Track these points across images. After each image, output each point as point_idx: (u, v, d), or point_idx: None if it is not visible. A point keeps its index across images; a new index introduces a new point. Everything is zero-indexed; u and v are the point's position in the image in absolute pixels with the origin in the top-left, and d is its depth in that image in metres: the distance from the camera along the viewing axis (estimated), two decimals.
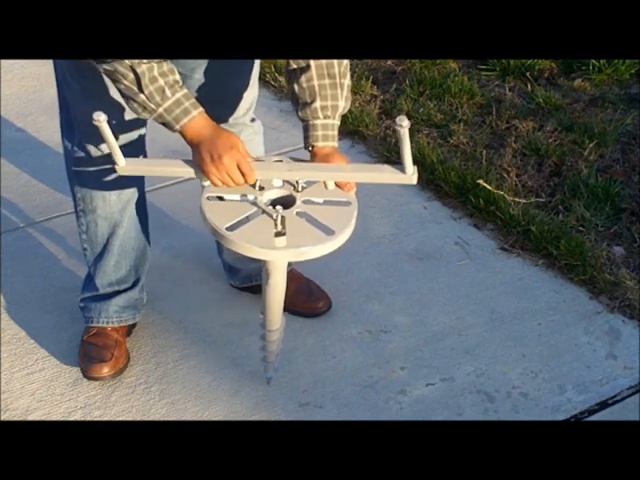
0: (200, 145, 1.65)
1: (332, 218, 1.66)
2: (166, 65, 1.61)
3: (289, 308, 2.05)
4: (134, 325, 2.22)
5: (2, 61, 3.52)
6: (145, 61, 1.57)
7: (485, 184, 2.70)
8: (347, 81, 1.73)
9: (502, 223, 2.61)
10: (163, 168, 1.76)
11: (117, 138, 1.84)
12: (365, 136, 3.08)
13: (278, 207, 1.64)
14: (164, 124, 1.66)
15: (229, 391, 2.08)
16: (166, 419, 2.00)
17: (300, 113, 1.74)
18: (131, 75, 1.58)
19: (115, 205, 2.00)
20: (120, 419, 2.00)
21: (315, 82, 1.70)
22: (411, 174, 1.67)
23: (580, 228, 2.59)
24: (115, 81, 1.61)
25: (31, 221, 2.64)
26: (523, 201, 2.68)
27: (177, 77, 1.63)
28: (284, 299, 1.89)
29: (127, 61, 1.56)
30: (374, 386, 2.10)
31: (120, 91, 1.64)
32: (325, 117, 1.72)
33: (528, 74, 3.42)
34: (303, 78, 1.71)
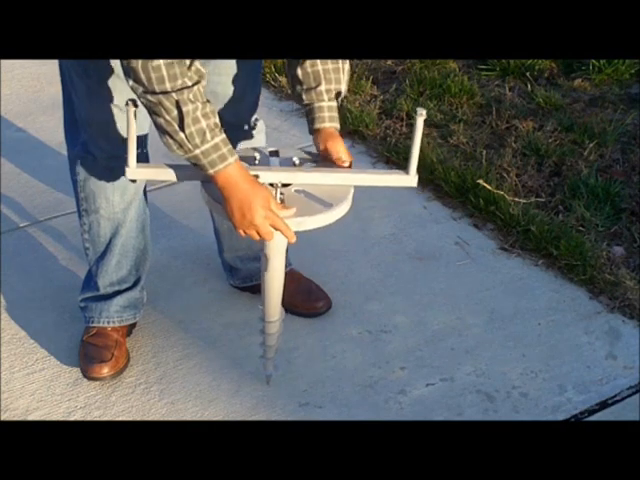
0: (232, 197, 1.62)
1: (330, 194, 1.72)
2: (209, 106, 1.58)
3: (289, 308, 2.05)
4: (134, 325, 2.22)
5: (2, 61, 3.52)
6: (192, 98, 1.54)
7: (485, 184, 2.70)
8: (347, 65, 1.79)
9: (502, 223, 2.61)
10: (174, 172, 1.71)
11: (121, 139, 1.84)
12: (365, 136, 3.08)
13: (276, 183, 1.69)
14: (196, 165, 1.62)
15: (229, 391, 2.08)
16: (166, 419, 2.00)
17: (304, 97, 1.78)
18: (175, 112, 1.54)
19: (118, 205, 2.00)
20: (120, 419, 2.00)
21: (319, 67, 1.75)
22: (413, 175, 1.74)
23: (580, 228, 2.59)
24: (156, 114, 1.56)
25: (31, 221, 2.64)
26: (523, 201, 2.68)
27: (217, 120, 1.60)
28: (284, 299, 1.89)
29: (174, 95, 1.53)
30: (374, 386, 2.10)
31: (158, 124, 1.58)
32: (330, 99, 1.78)
33: (528, 74, 3.42)
34: (307, 63, 1.75)
